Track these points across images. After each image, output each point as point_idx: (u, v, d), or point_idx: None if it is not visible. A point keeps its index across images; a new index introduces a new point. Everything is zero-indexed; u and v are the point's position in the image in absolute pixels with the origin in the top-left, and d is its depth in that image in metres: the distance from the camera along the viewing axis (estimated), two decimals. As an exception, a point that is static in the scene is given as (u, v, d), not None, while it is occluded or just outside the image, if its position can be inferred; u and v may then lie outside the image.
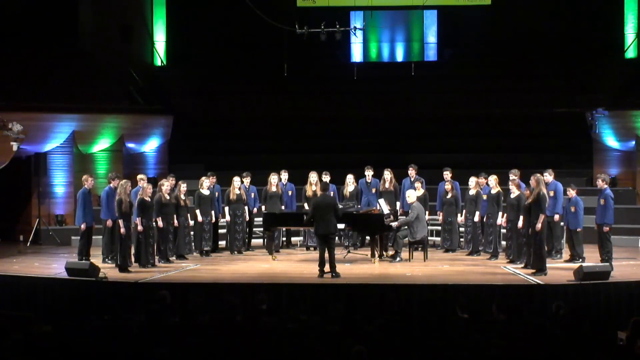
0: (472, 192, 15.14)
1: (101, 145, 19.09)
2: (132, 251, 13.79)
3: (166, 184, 14.48)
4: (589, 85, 20.83)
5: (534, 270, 12.71)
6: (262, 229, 16.27)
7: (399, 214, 15.87)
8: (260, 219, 15.95)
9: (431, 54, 23.75)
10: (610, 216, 13.37)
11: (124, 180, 13.80)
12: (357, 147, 21.01)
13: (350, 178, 16.09)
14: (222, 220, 15.83)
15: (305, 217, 13.86)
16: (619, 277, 12.39)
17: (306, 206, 15.81)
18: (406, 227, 14.50)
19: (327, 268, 12.83)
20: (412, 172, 16.01)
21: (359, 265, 14.22)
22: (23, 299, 12.69)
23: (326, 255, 12.84)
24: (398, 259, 14.54)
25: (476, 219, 14.98)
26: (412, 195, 14.68)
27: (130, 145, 19.95)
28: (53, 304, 12.38)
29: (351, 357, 6.82)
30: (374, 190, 16.06)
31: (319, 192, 14.23)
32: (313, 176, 15.91)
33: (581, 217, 14.19)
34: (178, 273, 13.47)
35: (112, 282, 12.55)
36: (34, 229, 17.68)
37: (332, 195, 14.71)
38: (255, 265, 14.43)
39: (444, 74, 22.47)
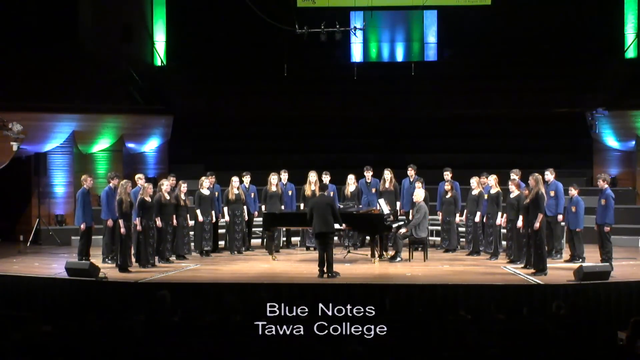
0: (474, 192, 15.07)
1: (101, 145, 19.09)
2: (133, 251, 13.79)
3: (166, 184, 14.48)
4: (589, 85, 20.83)
5: (534, 270, 12.71)
6: (262, 229, 16.27)
7: (399, 214, 15.88)
8: (260, 218, 15.95)
9: (431, 54, 23.76)
10: (610, 216, 13.37)
11: (124, 180, 13.80)
12: (357, 147, 21.02)
13: (351, 178, 16.08)
14: (221, 220, 15.84)
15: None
16: (619, 277, 12.38)
17: (302, 206, 15.79)
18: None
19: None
20: (412, 172, 16.00)
21: (359, 265, 14.21)
22: (23, 299, 12.66)
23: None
24: (398, 259, 14.53)
25: (477, 219, 14.97)
26: (419, 194, 14.61)
27: (130, 145, 19.95)
28: (53, 304, 12.35)
29: (350, 357, 6.82)
30: (373, 191, 16.05)
31: (317, 192, 14.23)
32: (312, 176, 15.90)
33: (582, 217, 14.18)
34: (178, 273, 13.47)
35: (112, 282, 12.54)
36: (34, 229, 17.68)
37: (331, 195, 14.70)
38: (255, 265, 14.42)
39: (444, 74, 22.46)
